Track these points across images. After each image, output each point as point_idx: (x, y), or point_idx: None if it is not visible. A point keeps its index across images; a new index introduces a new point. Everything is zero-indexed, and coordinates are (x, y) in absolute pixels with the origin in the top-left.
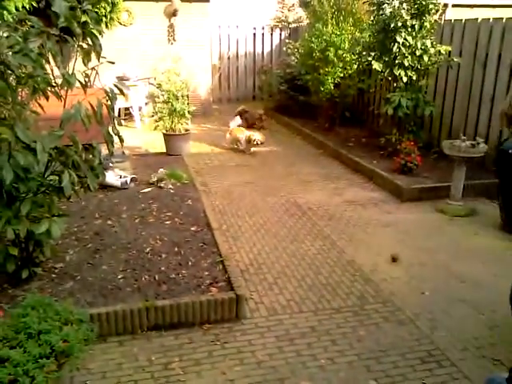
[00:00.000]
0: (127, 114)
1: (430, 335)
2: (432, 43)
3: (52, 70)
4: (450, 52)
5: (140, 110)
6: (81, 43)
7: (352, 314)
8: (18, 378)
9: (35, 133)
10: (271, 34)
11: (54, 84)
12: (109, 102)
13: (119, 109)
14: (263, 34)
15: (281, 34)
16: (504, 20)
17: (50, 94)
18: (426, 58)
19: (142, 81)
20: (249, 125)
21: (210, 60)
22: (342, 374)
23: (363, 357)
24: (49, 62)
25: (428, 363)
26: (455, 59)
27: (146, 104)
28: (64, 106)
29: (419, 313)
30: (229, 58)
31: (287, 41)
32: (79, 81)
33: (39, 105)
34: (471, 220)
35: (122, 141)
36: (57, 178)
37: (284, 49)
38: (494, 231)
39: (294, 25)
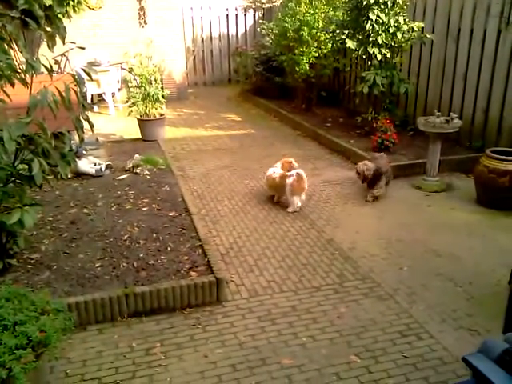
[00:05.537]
0: (100, 100)
1: (408, 309)
2: (405, 20)
3: (17, 56)
4: (422, 28)
5: (113, 96)
6: (45, 27)
7: (332, 292)
8: None
9: (2, 121)
10: (245, 15)
11: (19, 70)
12: (77, 88)
13: (92, 95)
14: (237, 15)
15: (255, 15)
16: None
17: (15, 81)
18: (399, 35)
19: (115, 66)
20: None
21: (183, 43)
22: (324, 350)
23: (344, 333)
24: (12, 48)
25: (407, 336)
26: (428, 35)
27: (120, 90)
28: (30, 93)
29: (398, 288)
30: (202, 40)
31: (261, 21)
32: (44, 66)
33: (5, 93)
34: (447, 195)
35: (92, 126)
36: (27, 166)
37: (258, 30)
38: (470, 205)
39: (267, 5)
